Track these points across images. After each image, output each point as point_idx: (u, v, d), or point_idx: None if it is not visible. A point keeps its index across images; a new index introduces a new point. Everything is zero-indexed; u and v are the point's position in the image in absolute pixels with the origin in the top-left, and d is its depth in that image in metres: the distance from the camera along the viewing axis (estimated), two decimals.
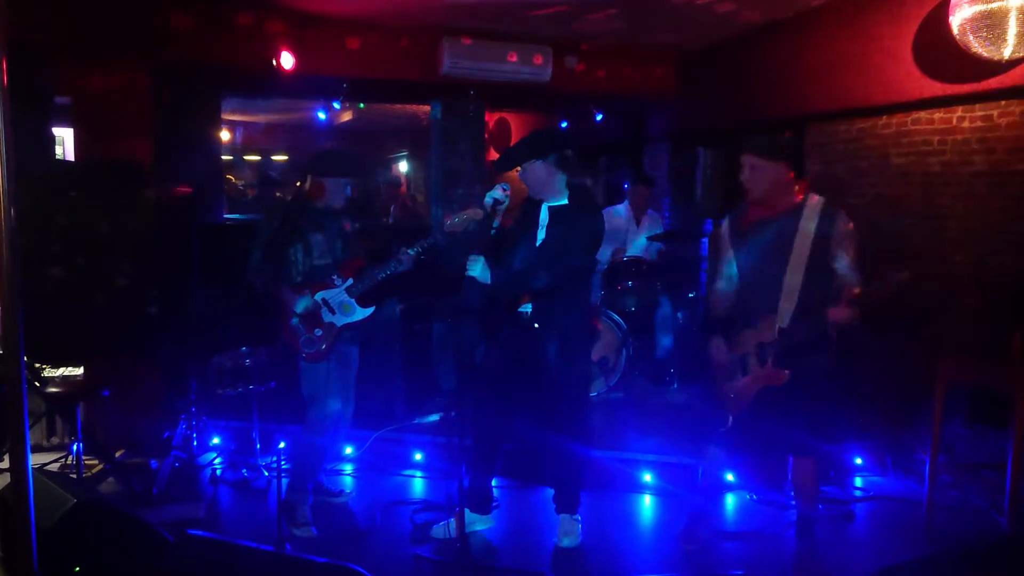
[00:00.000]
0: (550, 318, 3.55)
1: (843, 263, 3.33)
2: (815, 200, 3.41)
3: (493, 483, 3.99)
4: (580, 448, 3.77)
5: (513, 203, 3.65)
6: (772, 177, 3.36)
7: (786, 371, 3.37)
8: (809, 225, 3.35)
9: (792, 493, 3.83)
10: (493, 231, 3.54)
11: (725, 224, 3.62)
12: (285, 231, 3.84)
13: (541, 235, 3.60)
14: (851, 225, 3.36)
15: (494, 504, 4.08)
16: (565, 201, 3.59)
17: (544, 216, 3.61)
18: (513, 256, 3.60)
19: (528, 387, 3.64)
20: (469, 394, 3.85)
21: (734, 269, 3.58)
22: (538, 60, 6.31)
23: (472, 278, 3.51)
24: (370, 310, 3.96)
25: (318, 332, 3.86)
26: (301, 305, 3.83)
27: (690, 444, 4.60)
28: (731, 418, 3.56)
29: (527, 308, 3.58)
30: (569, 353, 3.61)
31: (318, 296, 3.86)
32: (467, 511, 3.84)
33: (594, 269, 3.97)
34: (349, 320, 3.91)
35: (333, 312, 3.89)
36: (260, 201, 10.24)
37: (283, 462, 4.03)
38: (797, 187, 3.42)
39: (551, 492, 3.87)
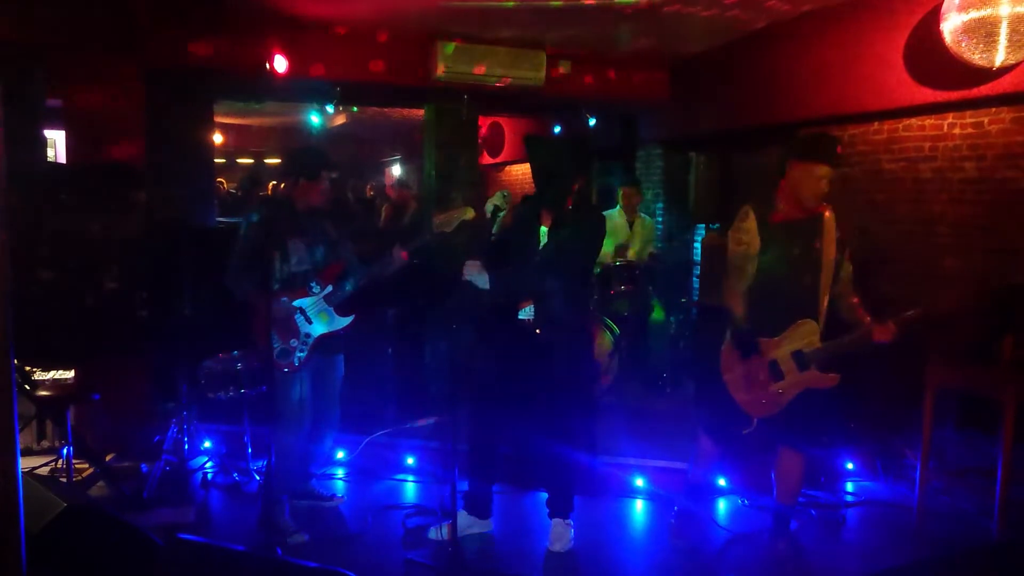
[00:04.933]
0: (553, 322, 3.52)
1: (848, 271, 3.52)
2: (829, 209, 3.52)
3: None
4: (577, 452, 3.77)
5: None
6: (821, 179, 3.43)
7: (836, 375, 3.46)
8: (832, 234, 3.46)
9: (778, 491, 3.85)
10: (493, 236, 3.53)
11: (751, 220, 3.52)
12: (265, 237, 3.69)
13: (543, 238, 3.59)
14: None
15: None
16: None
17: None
18: (517, 260, 3.58)
19: (531, 392, 3.60)
20: (465, 399, 3.82)
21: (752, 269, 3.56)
22: (531, 65, 6.32)
23: (469, 282, 3.50)
24: (348, 319, 3.84)
25: (293, 343, 3.73)
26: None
27: (683, 448, 4.60)
28: (755, 420, 3.57)
29: (526, 313, 3.55)
30: (576, 355, 3.61)
31: (295, 304, 3.76)
32: (466, 514, 3.86)
33: (594, 271, 3.98)
34: (327, 330, 3.80)
35: (310, 321, 3.77)
36: (248, 204, 10.19)
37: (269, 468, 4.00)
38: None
39: (545, 496, 3.87)
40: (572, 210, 3.55)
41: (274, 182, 12.51)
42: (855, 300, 3.56)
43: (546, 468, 3.84)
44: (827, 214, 3.51)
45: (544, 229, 3.60)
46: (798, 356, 3.46)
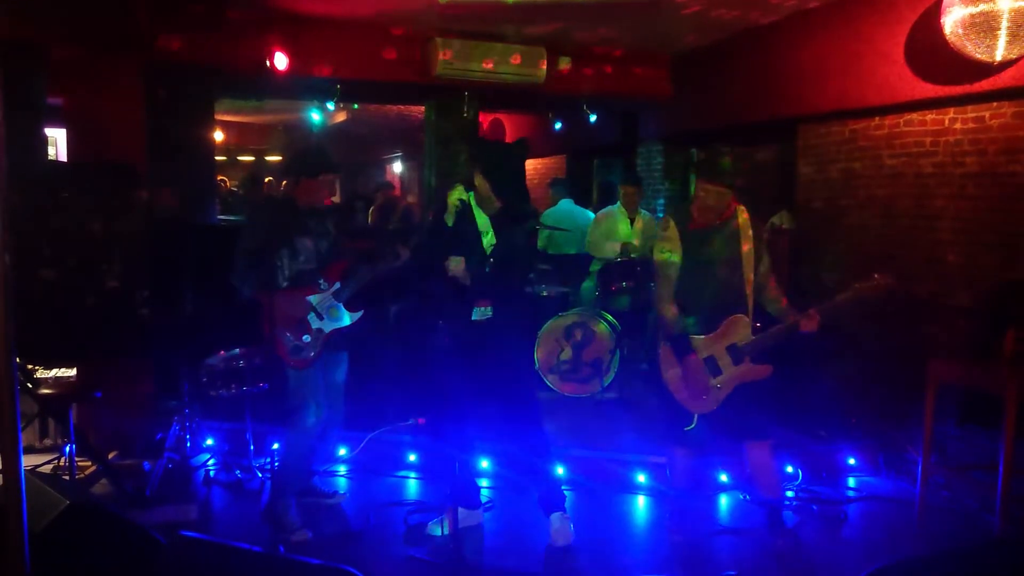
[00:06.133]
0: (511, 320, 3.67)
1: (766, 265, 3.70)
2: (743, 209, 3.69)
3: (484, 483, 4.00)
4: (546, 443, 3.82)
5: None
6: (722, 194, 3.59)
7: (769, 366, 3.61)
8: (747, 232, 3.65)
9: (760, 487, 3.87)
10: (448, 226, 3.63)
11: (672, 230, 3.71)
12: (271, 235, 3.72)
13: (485, 236, 3.65)
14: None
15: (487, 503, 4.09)
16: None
17: (481, 216, 3.67)
18: (468, 247, 3.65)
19: (493, 389, 3.70)
20: (441, 396, 3.91)
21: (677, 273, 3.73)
22: (532, 62, 6.31)
23: (455, 279, 3.55)
24: (358, 314, 3.89)
25: (306, 339, 3.78)
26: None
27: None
28: (696, 417, 3.70)
29: (483, 312, 3.62)
30: (525, 354, 3.87)
31: (305, 301, 3.78)
32: (459, 507, 3.87)
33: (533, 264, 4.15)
34: (337, 325, 3.84)
35: (321, 318, 3.80)
36: (249, 202, 10.19)
37: (275, 464, 4.00)
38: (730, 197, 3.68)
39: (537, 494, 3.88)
40: (513, 208, 3.68)
41: (269, 179, 12.51)
42: (773, 285, 3.73)
43: (525, 464, 3.88)
44: (742, 216, 3.67)
45: (484, 220, 3.66)
46: (732, 350, 3.61)
